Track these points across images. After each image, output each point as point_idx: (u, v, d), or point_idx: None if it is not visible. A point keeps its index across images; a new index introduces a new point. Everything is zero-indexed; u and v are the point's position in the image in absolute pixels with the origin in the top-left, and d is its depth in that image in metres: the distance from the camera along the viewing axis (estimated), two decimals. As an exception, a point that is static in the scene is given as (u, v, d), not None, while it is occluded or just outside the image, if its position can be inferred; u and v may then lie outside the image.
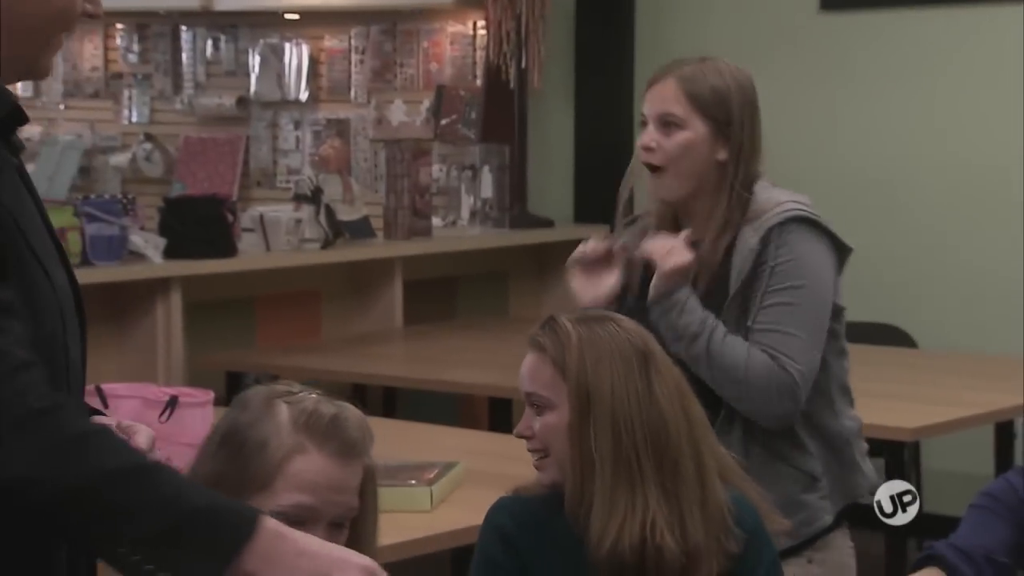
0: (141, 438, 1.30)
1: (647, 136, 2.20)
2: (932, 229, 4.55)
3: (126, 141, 5.38)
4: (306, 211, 4.15)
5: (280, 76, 5.14)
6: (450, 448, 2.80)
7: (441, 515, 2.43)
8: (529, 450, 1.78)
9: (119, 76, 5.44)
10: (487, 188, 4.73)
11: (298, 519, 1.40)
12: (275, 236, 4.11)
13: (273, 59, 5.15)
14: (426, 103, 4.95)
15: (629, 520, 1.68)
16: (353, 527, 1.46)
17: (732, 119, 2.19)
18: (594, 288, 2.21)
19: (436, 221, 4.61)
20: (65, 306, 1.16)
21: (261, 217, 4.13)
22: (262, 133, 5.20)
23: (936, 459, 4.43)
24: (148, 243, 3.81)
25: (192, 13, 5.16)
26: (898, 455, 3.40)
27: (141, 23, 5.38)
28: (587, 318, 1.78)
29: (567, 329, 1.74)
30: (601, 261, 2.22)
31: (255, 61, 5.18)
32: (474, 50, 4.90)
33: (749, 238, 2.15)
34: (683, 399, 1.75)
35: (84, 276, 3.83)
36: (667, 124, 2.19)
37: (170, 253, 3.86)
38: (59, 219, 3.65)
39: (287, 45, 5.14)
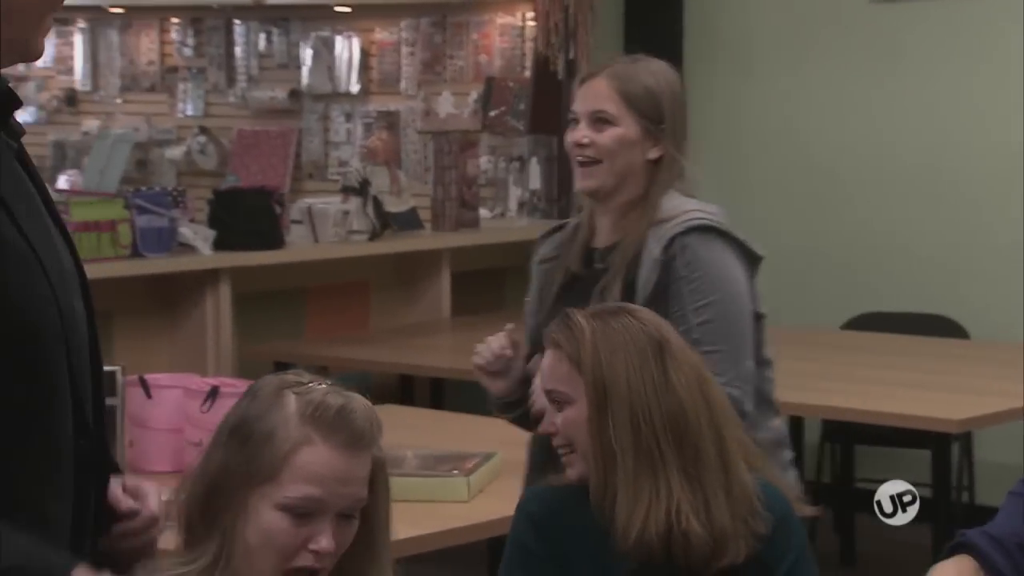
0: (151, 500, 1.28)
1: (579, 132, 2.19)
2: (983, 217, 4.49)
3: (181, 134, 5.45)
4: (354, 203, 4.19)
5: (331, 69, 5.18)
6: (493, 439, 2.82)
7: (478, 505, 2.45)
8: (555, 446, 1.80)
9: (174, 70, 5.51)
10: (535, 179, 4.74)
11: (305, 511, 1.42)
12: (323, 228, 4.15)
13: (324, 52, 5.19)
14: (474, 95, 4.97)
15: (654, 508, 1.69)
16: (364, 518, 1.47)
17: (663, 119, 2.18)
18: (503, 380, 2.19)
19: (484, 212, 4.63)
20: (65, 294, 1.16)
21: (309, 209, 4.17)
22: (314, 125, 5.24)
23: (989, 451, 4.37)
24: (197, 235, 3.86)
25: (245, 7, 5.21)
26: (944, 447, 3.36)
27: (196, 17, 5.44)
28: (602, 312, 1.81)
29: (581, 324, 1.77)
30: (502, 357, 2.17)
31: (307, 54, 5.22)
32: (523, 41, 4.91)
33: (652, 248, 2.13)
34: (702, 385, 1.76)
35: (134, 268, 3.92)
36: (599, 121, 2.17)
37: (219, 245, 3.90)
38: (109, 211, 3.72)
39: (338, 38, 5.18)
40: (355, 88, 5.17)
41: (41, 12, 1.17)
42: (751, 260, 2.19)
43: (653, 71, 2.20)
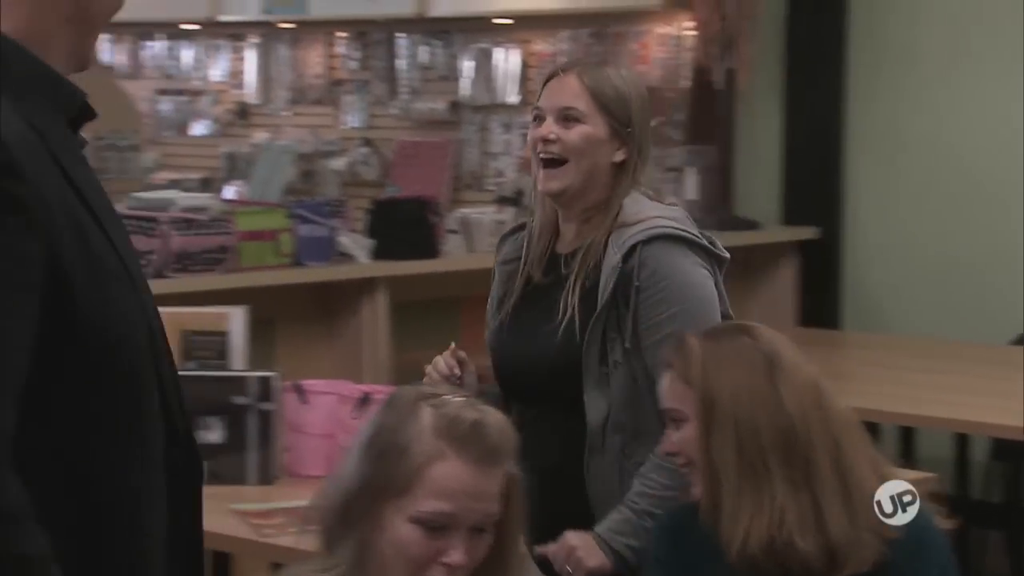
0: None
1: (546, 128, 2.13)
2: None
3: (345, 145, 5.58)
4: (508, 213, 4.22)
5: (491, 80, 5.24)
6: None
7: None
8: (679, 466, 1.86)
9: (340, 83, 5.64)
10: (691, 189, 4.70)
11: (438, 525, 1.43)
12: (478, 237, 4.19)
13: (484, 64, 5.25)
14: (630, 105, 4.95)
15: (756, 521, 1.71)
16: (498, 532, 1.48)
17: (631, 122, 2.13)
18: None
19: (640, 223, 4.61)
20: (149, 302, 1.17)
21: (465, 219, 4.22)
22: (472, 136, 5.30)
23: None
24: (356, 244, 3.95)
25: (408, 20, 5.30)
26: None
27: (361, 31, 5.56)
28: (715, 331, 1.86)
29: (691, 344, 1.81)
30: (451, 378, 2.17)
31: (467, 66, 5.29)
32: (682, 52, 4.88)
33: (612, 254, 2.08)
34: (818, 398, 1.77)
35: (295, 276, 4.02)
36: (567, 119, 2.13)
37: (378, 254, 3.98)
38: (272, 221, 3.82)
39: (498, 50, 5.23)
40: (514, 99, 5.21)
41: (107, 21, 1.20)
42: (718, 262, 2.14)
43: (623, 74, 2.17)
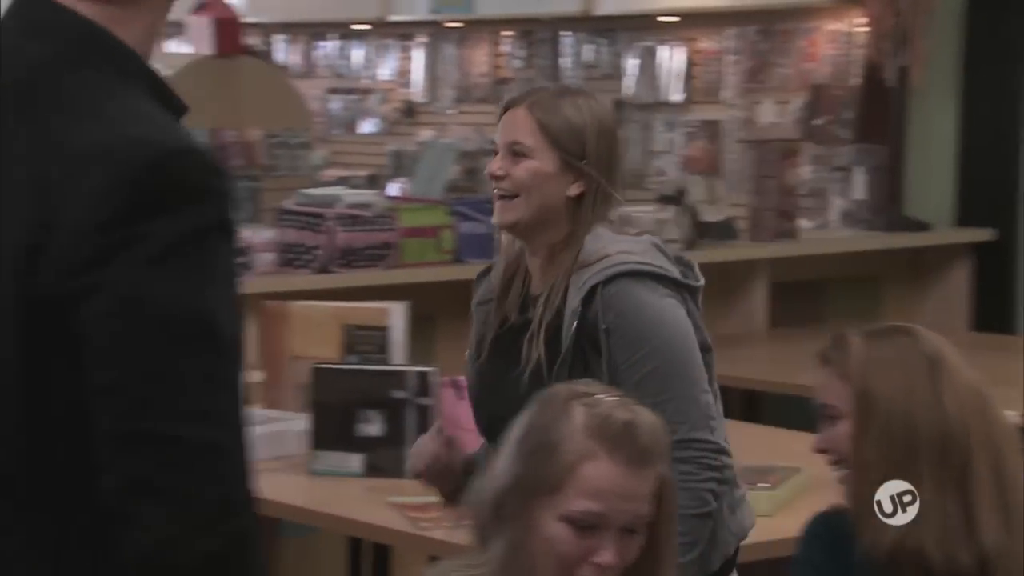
0: None
1: (495, 163, 2.09)
2: None
3: (508, 143, 5.61)
4: (669, 211, 4.19)
5: (655, 78, 5.20)
6: (802, 454, 2.76)
7: (782, 521, 2.41)
8: (830, 463, 1.82)
9: (505, 81, 5.68)
10: (859, 189, 4.60)
11: (587, 524, 1.43)
12: (639, 237, 4.17)
13: (649, 62, 5.22)
14: (796, 103, 4.87)
15: (888, 524, 1.69)
16: (650, 534, 1.47)
17: (586, 154, 2.05)
18: (446, 480, 2.13)
19: (805, 223, 4.53)
20: None
21: (626, 217, 4.20)
22: (635, 135, 5.28)
23: None
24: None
25: (573, 19, 5.31)
26: None
27: (526, 30, 5.60)
28: (876, 330, 1.82)
29: (852, 341, 1.78)
30: (441, 458, 2.12)
31: (632, 64, 5.27)
32: (852, 48, 4.77)
33: (572, 297, 2.00)
34: (982, 404, 1.73)
35: (456, 272, 4.06)
36: (515, 153, 2.06)
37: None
38: (433, 218, 3.87)
39: (663, 48, 5.20)
40: (678, 97, 5.17)
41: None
42: (689, 291, 2.05)
43: (579, 104, 2.08)
